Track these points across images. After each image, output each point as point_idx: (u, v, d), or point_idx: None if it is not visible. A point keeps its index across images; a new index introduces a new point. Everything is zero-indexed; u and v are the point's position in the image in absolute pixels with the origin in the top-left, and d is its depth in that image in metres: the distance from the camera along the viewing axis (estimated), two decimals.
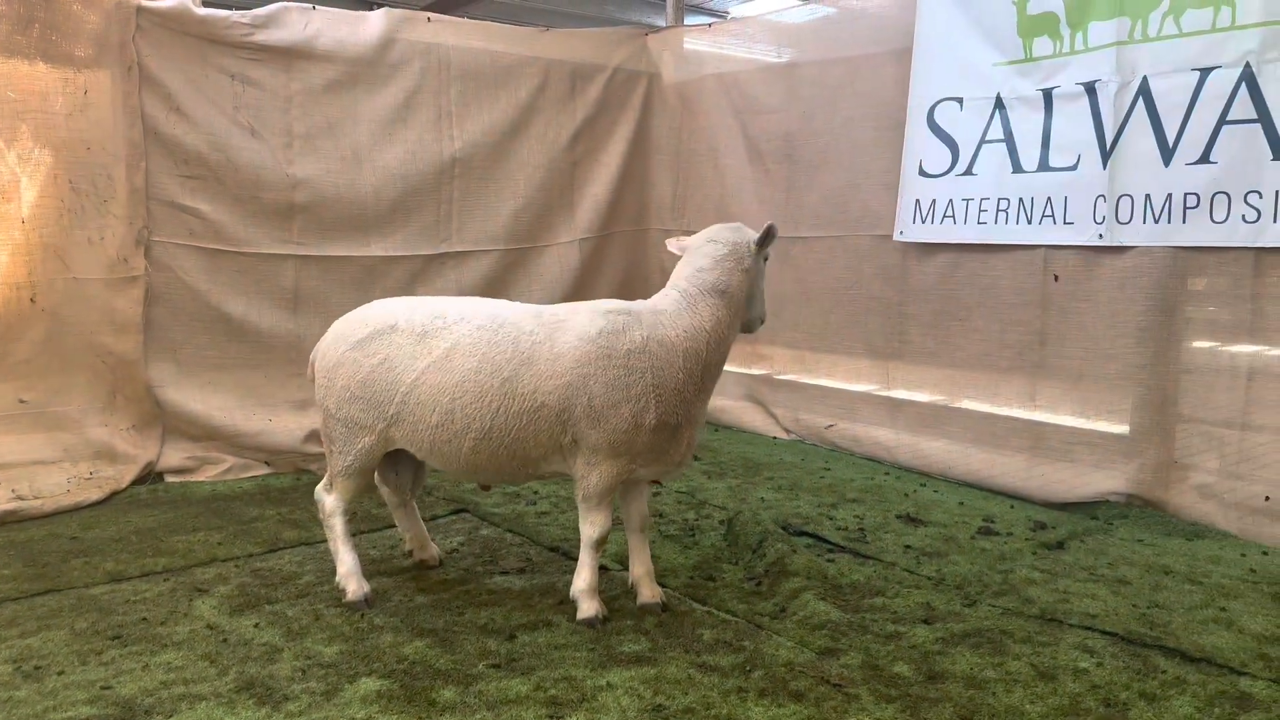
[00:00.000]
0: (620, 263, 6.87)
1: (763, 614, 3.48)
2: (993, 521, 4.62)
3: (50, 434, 4.88)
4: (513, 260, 6.33)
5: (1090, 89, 4.69)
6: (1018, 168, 5.01)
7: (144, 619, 3.40)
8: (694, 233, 3.67)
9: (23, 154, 4.70)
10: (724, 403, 6.75)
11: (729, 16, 12.51)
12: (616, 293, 6.46)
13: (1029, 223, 4.98)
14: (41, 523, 4.50)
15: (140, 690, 2.88)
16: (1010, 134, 5.04)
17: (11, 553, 4.09)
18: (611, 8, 12.92)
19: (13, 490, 4.65)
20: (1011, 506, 4.90)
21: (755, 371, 6.65)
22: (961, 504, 4.92)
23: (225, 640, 3.23)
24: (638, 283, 6.85)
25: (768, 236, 3.48)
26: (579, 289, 6.55)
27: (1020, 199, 5.00)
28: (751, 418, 6.63)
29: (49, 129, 4.74)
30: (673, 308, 3.40)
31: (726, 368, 6.43)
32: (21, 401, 4.81)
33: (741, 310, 3.51)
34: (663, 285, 3.54)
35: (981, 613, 3.52)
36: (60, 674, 2.98)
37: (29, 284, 4.75)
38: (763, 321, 3.71)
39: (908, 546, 4.25)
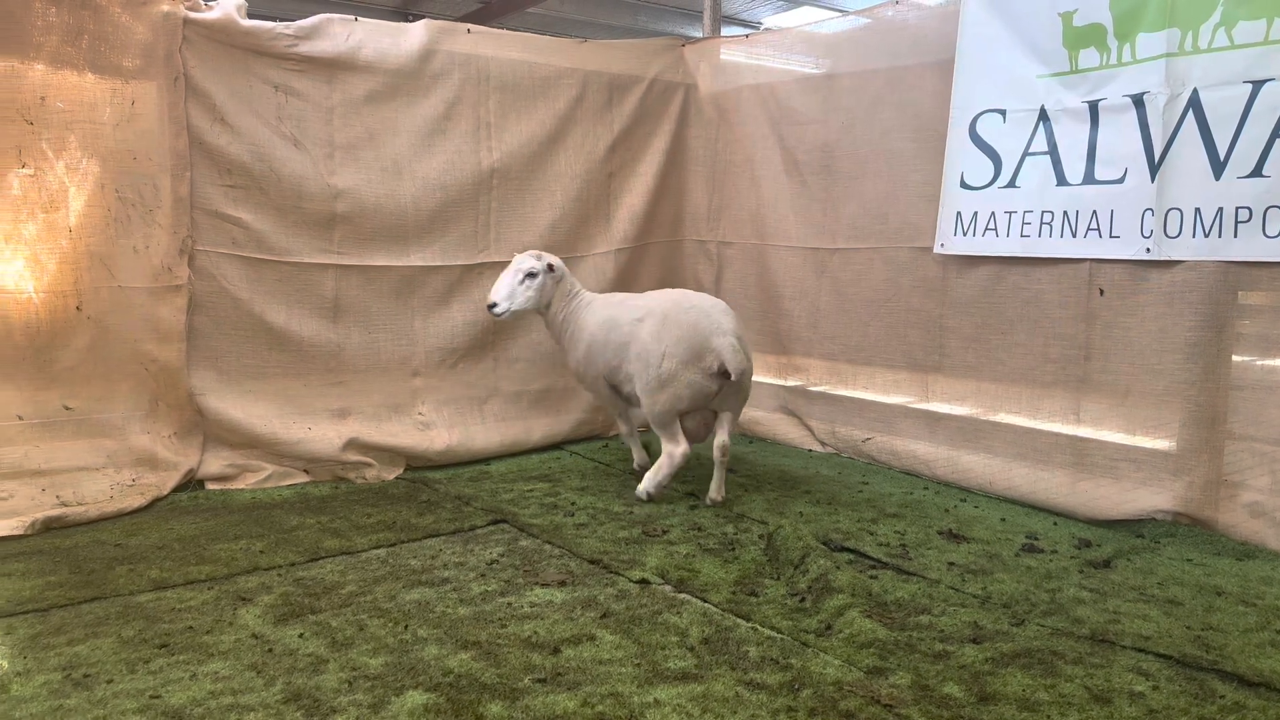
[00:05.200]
0: (656, 273, 6.84)
1: (808, 631, 3.45)
2: (1036, 538, 4.56)
3: (94, 440, 4.93)
4: None
5: (1138, 101, 4.63)
6: (1062, 180, 4.95)
7: (190, 627, 3.42)
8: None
9: (71, 163, 4.76)
10: (758, 414, 6.71)
11: (762, 28, 12.51)
12: None
13: (1074, 236, 4.92)
14: (85, 529, 4.55)
15: (189, 700, 2.89)
16: (1055, 146, 4.98)
17: (57, 559, 4.13)
18: (646, 19, 12.94)
19: (57, 496, 4.70)
20: (1055, 523, 4.83)
21: (790, 383, 6.61)
22: (1003, 520, 4.86)
23: (271, 650, 3.23)
24: None
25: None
26: None
27: (1065, 212, 4.94)
28: (786, 430, 6.59)
29: (97, 139, 4.80)
30: None
31: (760, 378, 6.47)
32: (66, 408, 4.86)
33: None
34: None
35: (1030, 632, 3.47)
36: (109, 682, 3.00)
37: (75, 292, 4.81)
38: None
39: (951, 563, 4.20)
